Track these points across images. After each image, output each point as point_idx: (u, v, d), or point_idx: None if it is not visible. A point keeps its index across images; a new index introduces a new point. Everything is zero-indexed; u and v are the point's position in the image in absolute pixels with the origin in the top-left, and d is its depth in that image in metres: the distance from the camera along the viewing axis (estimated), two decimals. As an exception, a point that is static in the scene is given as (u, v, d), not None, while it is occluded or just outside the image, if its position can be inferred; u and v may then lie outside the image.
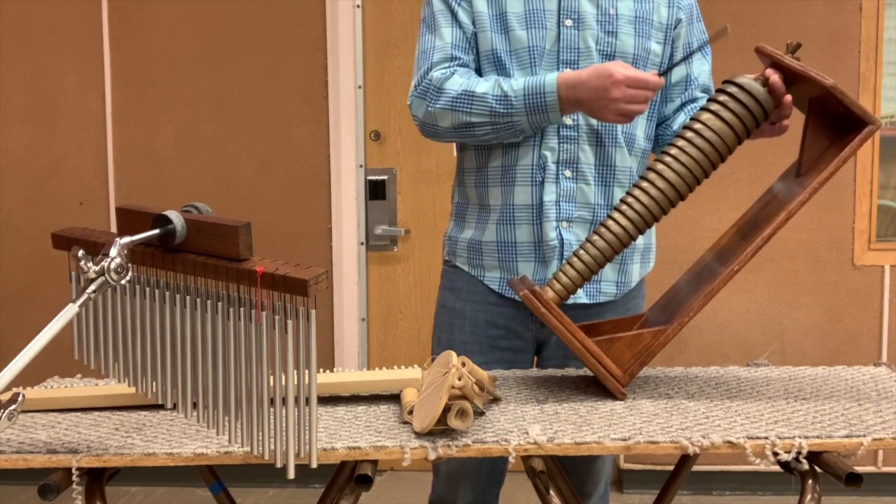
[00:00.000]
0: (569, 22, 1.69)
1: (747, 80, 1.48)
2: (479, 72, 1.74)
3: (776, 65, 1.47)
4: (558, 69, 1.69)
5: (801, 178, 1.49)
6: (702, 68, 1.81)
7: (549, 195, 1.72)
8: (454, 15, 1.72)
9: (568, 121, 1.70)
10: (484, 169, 1.77)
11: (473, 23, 1.72)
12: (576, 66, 1.69)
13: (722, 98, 1.48)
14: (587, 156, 1.72)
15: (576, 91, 1.58)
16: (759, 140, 1.64)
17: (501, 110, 1.64)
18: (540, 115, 1.63)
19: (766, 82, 1.48)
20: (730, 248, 1.54)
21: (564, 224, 1.72)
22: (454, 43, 1.72)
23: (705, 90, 1.82)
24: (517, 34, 1.69)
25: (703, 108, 1.50)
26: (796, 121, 1.54)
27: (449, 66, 1.71)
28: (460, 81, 1.67)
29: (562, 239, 1.72)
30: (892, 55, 3.20)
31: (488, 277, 1.79)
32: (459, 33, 1.72)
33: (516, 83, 1.64)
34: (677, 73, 1.79)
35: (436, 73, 1.70)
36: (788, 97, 1.48)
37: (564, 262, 1.56)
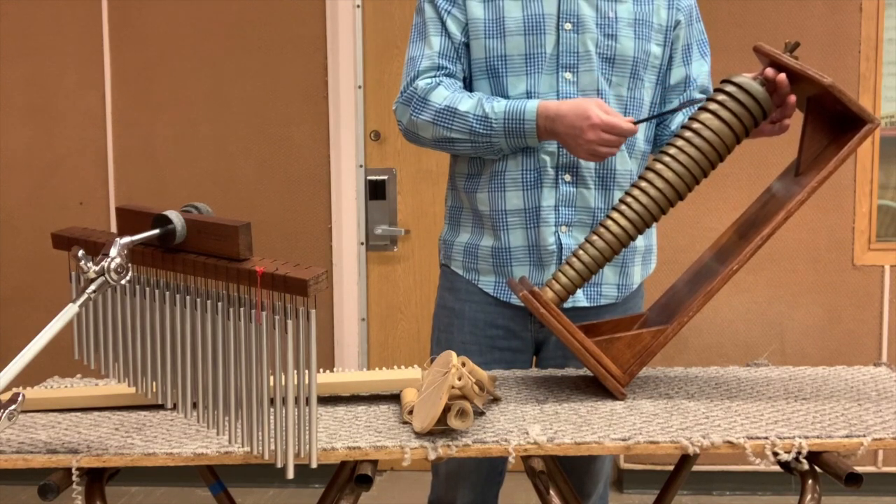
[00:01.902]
0: (568, 25, 1.69)
1: (745, 79, 1.48)
2: (470, 80, 1.75)
3: (774, 64, 1.47)
4: (558, 73, 1.69)
5: (800, 178, 1.49)
6: (701, 69, 1.81)
7: (548, 200, 1.72)
8: (444, 24, 1.73)
9: None
10: (476, 173, 1.78)
11: (466, 32, 1.72)
12: (575, 69, 1.69)
13: (720, 97, 1.48)
14: (587, 159, 1.72)
15: (553, 123, 1.61)
16: (759, 140, 1.64)
17: (481, 130, 1.66)
18: (518, 140, 1.66)
19: (765, 81, 1.47)
20: (729, 248, 1.54)
21: (564, 228, 1.72)
22: (441, 52, 1.73)
23: (704, 91, 1.81)
24: (515, 39, 1.69)
25: (701, 108, 1.49)
26: (795, 120, 1.54)
27: (435, 76, 1.72)
28: (445, 95, 1.68)
29: (560, 243, 1.72)
30: (892, 55, 3.20)
31: (483, 281, 1.79)
32: (447, 42, 1.73)
33: (498, 105, 1.65)
34: (676, 75, 1.79)
35: (421, 83, 1.71)
36: (792, 97, 1.48)
37: (563, 262, 1.56)
